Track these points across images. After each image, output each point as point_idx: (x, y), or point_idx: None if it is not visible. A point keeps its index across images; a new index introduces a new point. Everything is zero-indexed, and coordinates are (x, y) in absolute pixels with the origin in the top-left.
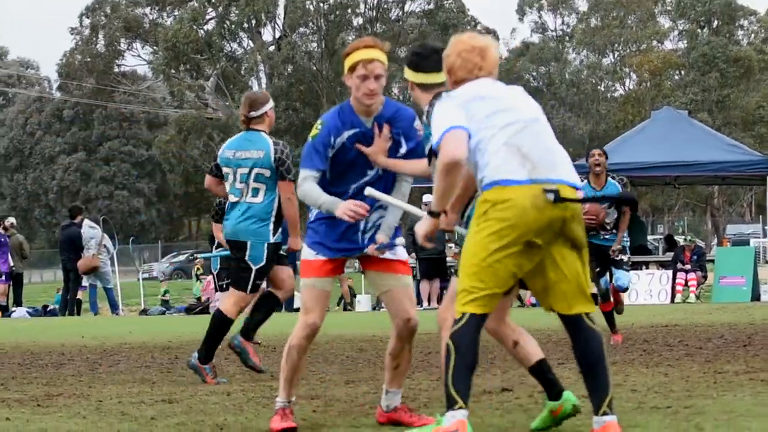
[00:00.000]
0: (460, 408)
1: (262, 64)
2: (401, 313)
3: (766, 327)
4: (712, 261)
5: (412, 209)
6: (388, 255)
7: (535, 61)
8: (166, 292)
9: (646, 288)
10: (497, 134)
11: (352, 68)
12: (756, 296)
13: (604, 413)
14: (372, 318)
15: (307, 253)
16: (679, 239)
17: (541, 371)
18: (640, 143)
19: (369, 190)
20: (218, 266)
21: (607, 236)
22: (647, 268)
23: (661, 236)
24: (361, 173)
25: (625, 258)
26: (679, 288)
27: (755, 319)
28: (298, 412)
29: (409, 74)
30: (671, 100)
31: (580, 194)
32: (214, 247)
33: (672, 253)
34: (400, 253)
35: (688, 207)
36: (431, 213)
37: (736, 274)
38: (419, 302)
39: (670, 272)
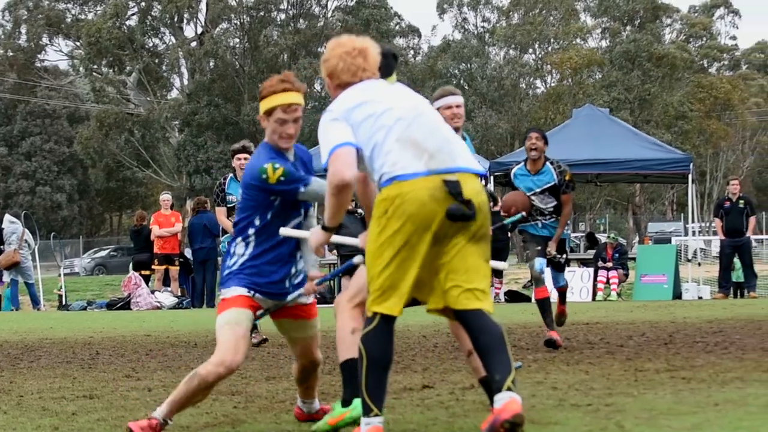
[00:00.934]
0: (375, 415)
1: (184, 60)
2: (309, 356)
3: (687, 325)
4: (634, 259)
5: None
6: (302, 299)
7: (456, 59)
8: (60, 287)
9: (570, 287)
10: (388, 133)
11: (269, 112)
12: (677, 294)
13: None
14: None
15: (235, 290)
16: (601, 237)
17: (488, 385)
18: (562, 141)
19: (284, 231)
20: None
21: (545, 222)
22: (568, 265)
23: (583, 234)
24: (296, 211)
25: (563, 259)
26: (600, 286)
27: (676, 318)
28: (219, 408)
29: None
30: (594, 99)
31: (482, 182)
32: (221, 233)
33: (593, 251)
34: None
35: (610, 205)
36: (325, 228)
37: (658, 272)
38: None
39: (591, 270)
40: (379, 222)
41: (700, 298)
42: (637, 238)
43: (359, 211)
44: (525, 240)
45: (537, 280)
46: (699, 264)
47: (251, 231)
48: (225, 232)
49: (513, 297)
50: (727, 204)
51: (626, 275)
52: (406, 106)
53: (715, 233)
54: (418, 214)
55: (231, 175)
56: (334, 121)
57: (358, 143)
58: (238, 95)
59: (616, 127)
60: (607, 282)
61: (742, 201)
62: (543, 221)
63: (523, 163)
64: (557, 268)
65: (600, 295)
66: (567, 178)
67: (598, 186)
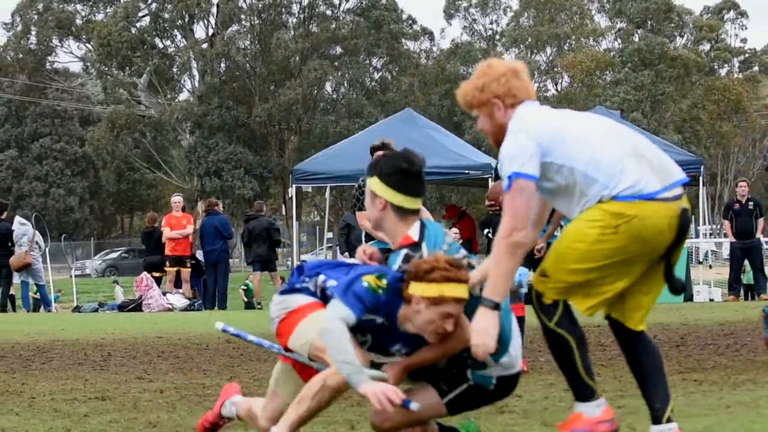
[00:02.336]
0: (599, 395)
1: (195, 62)
2: None
3: (698, 327)
4: None
5: None
6: None
7: (466, 62)
8: (56, 297)
9: None
10: (611, 145)
11: (437, 301)
12: (688, 297)
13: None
14: None
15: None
16: None
17: None
18: None
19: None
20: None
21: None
22: None
23: None
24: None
25: None
26: None
27: (688, 320)
28: None
29: (383, 189)
30: (603, 99)
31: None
32: (363, 236)
33: None
34: None
35: None
36: (493, 305)
37: None
38: None
39: None
40: (603, 232)
41: (712, 300)
42: None
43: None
44: None
45: (512, 293)
46: (710, 266)
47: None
48: (369, 237)
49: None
50: (737, 206)
51: None
52: (617, 125)
53: (725, 235)
54: (652, 241)
55: None
56: (528, 140)
57: (563, 157)
58: (249, 97)
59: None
60: None
61: (751, 203)
62: None
63: None
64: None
65: None
66: None
67: None
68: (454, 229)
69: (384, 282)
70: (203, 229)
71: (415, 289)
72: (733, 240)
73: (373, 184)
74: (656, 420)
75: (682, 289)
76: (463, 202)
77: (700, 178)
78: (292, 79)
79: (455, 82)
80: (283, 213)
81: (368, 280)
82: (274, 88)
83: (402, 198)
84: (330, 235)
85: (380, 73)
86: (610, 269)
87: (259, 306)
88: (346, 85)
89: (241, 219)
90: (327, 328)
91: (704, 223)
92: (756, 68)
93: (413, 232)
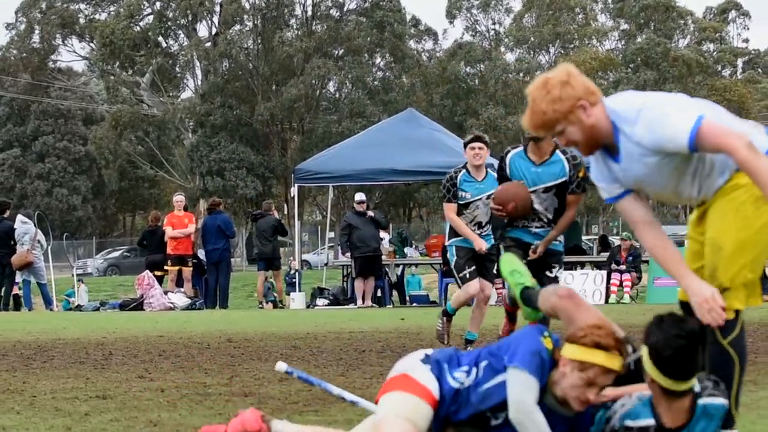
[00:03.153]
0: (736, 428)
1: (198, 60)
2: None
3: None
4: (647, 262)
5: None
6: None
7: (468, 62)
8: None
9: (581, 288)
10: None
11: (585, 366)
12: None
13: None
14: (306, 316)
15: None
16: (614, 239)
17: None
18: None
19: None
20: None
21: (538, 230)
22: (582, 268)
23: (596, 236)
24: None
25: (554, 271)
26: (613, 288)
27: None
28: (232, 409)
29: (654, 372)
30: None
31: None
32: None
33: (606, 254)
34: None
35: None
36: None
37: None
38: (353, 300)
39: (604, 272)
40: (758, 205)
41: None
42: None
43: (369, 213)
44: (507, 247)
45: (508, 311)
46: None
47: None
48: (454, 233)
49: None
50: None
51: (639, 278)
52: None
53: None
54: None
55: (464, 169)
56: (676, 96)
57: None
58: (252, 96)
59: None
60: (620, 285)
61: None
62: (536, 228)
63: (522, 149)
64: (542, 280)
65: (613, 298)
66: (581, 174)
67: None
68: None
69: (550, 342)
70: (205, 228)
71: (566, 350)
72: None
73: (647, 364)
74: None
75: None
76: None
77: None
78: (295, 78)
79: (456, 82)
80: (285, 212)
81: (546, 343)
82: (276, 88)
83: (669, 382)
84: (332, 234)
85: (383, 73)
86: None
87: (260, 306)
88: (348, 84)
89: (243, 218)
90: (529, 410)
91: None
92: (760, 70)
93: None
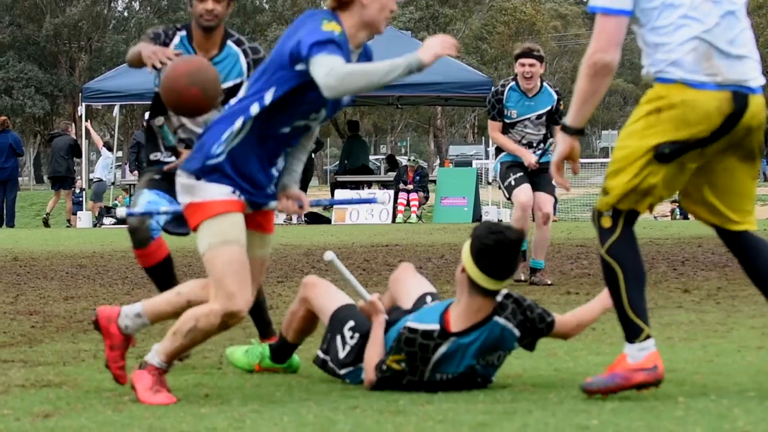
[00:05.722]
0: (647, 336)
1: None
2: (257, 279)
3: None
4: (434, 181)
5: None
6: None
7: None
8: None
9: (368, 207)
10: (688, 21)
11: None
12: (477, 217)
13: None
14: (92, 234)
15: (218, 191)
16: (402, 159)
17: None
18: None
19: (330, 256)
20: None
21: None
22: (369, 187)
23: (383, 156)
24: (305, 114)
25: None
26: (400, 208)
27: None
28: (17, 327)
29: (471, 266)
30: (395, 24)
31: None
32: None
33: (394, 173)
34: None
35: (411, 127)
36: (565, 129)
37: (458, 195)
38: None
39: (391, 192)
40: (647, 119)
41: (500, 221)
42: (438, 161)
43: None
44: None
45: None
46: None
47: (254, 111)
48: (500, 150)
49: (312, 219)
50: None
51: (426, 198)
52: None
53: None
54: (699, 123)
55: (512, 83)
56: None
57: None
58: (40, 15)
59: (416, 48)
60: (408, 204)
61: None
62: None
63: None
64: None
65: (400, 217)
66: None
67: (399, 108)
68: None
69: (336, 23)
70: None
71: None
72: None
73: (464, 254)
74: None
75: None
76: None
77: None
78: None
79: None
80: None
81: (327, 26)
82: (63, 6)
83: (485, 278)
84: (120, 153)
85: None
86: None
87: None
88: (136, 4)
89: (30, 137)
90: (341, 72)
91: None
92: None
93: None
